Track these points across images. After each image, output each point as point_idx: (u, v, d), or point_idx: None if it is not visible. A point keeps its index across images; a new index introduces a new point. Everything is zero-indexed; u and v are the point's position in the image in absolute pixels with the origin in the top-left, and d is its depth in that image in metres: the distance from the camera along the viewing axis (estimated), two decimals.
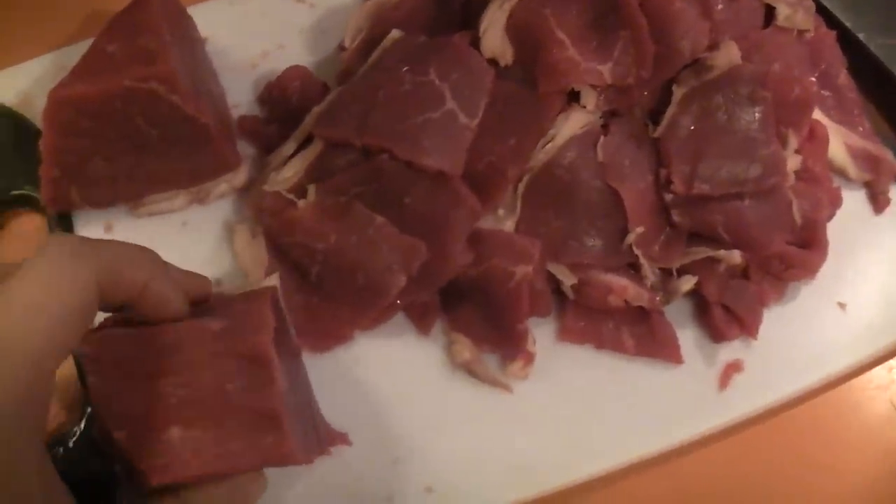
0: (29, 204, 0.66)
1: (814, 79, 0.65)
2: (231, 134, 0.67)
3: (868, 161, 0.68)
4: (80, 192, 0.62)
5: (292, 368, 0.49)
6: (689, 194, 0.60)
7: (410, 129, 0.58)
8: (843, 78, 0.69)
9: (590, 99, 0.61)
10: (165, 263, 0.44)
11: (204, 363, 0.43)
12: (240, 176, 0.65)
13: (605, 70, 0.60)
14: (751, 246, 0.60)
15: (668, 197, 0.61)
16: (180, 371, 0.43)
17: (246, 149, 0.67)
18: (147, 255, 0.43)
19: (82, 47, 0.61)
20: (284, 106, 0.67)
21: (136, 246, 0.43)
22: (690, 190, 0.59)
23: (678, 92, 0.61)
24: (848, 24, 0.73)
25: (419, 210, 0.58)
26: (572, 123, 0.61)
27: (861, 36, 0.73)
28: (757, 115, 0.60)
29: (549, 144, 0.61)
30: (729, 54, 0.60)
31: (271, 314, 0.45)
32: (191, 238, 0.65)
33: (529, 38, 0.61)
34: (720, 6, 0.62)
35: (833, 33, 0.70)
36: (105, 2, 0.69)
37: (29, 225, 0.66)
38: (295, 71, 0.68)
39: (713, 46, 0.61)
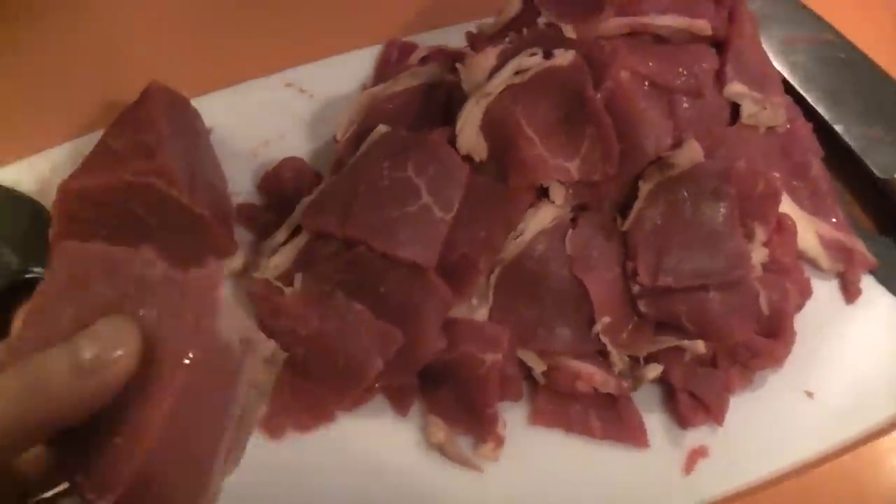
0: None
1: (778, 174, 0.67)
2: (229, 222, 0.71)
3: (840, 252, 0.69)
4: None
5: None
6: (654, 286, 0.62)
7: (387, 222, 0.62)
8: (817, 169, 0.71)
9: (558, 194, 0.64)
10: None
11: None
12: (235, 261, 0.69)
13: (573, 167, 0.63)
14: (714, 335, 0.62)
15: (635, 288, 0.63)
16: None
17: (244, 235, 0.71)
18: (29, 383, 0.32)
19: (97, 137, 0.67)
20: (280, 195, 0.71)
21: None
22: (655, 282, 0.62)
23: (644, 187, 0.64)
24: (826, 117, 0.76)
25: (395, 299, 0.61)
26: (541, 217, 0.64)
27: (838, 128, 0.75)
28: (721, 209, 0.63)
29: (520, 238, 0.64)
30: (691, 153, 0.63)
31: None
32: None
33: (501, 135, 0.64)
34: (685, 104, 0.65)
35: (810, 125, 0.72)
36: (118, 94, 0.74)
37: None
38: (290, 162, 0.72)
39: (677, 144, 0.64)
